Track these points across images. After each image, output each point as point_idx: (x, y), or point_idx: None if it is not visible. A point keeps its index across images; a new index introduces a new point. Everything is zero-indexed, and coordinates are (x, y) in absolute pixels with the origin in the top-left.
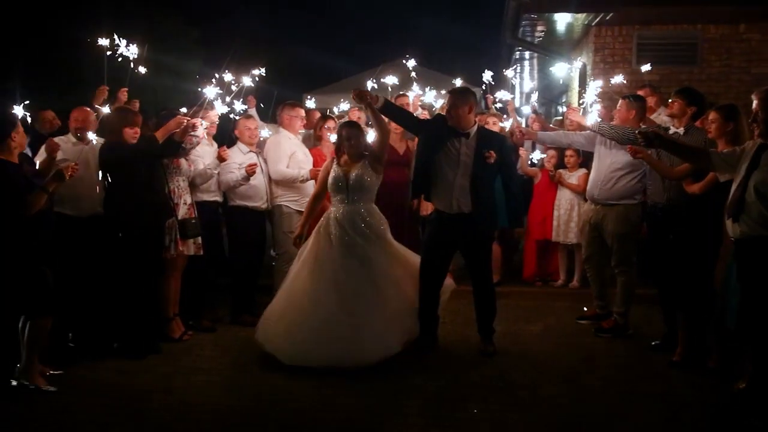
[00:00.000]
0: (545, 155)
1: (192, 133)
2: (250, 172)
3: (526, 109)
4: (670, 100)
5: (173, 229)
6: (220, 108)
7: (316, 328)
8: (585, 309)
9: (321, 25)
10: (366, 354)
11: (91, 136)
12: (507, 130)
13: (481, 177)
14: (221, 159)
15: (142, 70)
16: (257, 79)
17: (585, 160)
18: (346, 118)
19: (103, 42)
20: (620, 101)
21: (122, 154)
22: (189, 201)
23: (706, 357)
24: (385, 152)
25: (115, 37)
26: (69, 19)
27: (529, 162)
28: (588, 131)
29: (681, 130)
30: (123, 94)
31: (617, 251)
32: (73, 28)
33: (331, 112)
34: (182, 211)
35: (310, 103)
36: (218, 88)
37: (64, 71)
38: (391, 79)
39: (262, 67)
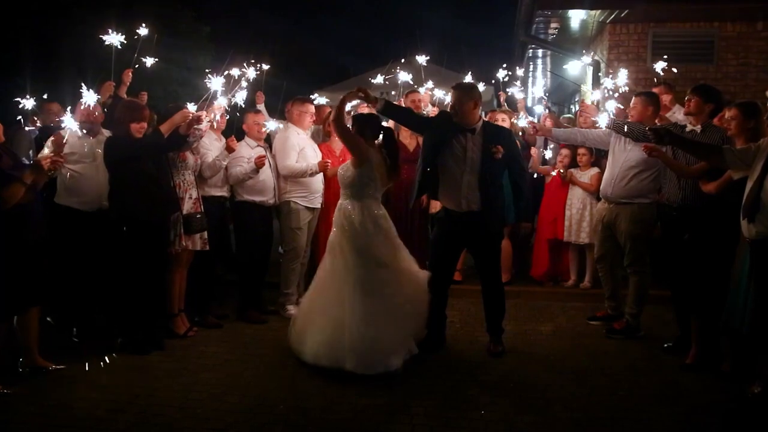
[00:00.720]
0: (559, 154)
1: (196, 126)
2: (260, 163)
3: (539, 109)
4: (686, 98)
5: (178, 224)
6: (224, 102)
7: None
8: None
9: (332, 22)
10: (310, 354)
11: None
12: (519, 127)
13: (489, 173)
14: (230, 149)
15: (150, 61)
16: (258, 71)
17: (597, 159)
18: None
19: (113, 38)
20: (634, 98)
21: (127, 148)
22: (195, 195)
23: (720, 360)
24: (355, 147)
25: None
26: (79, 15)
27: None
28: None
29: (698, 128)
30: (127, 76)
31: (630, 251)
32: (84, 23)
33: None
34: (187, 206)
35: (320, 99)
36: (224, 81)
37: (72, 65)
38: (402, 76)
39: (268, 64)
